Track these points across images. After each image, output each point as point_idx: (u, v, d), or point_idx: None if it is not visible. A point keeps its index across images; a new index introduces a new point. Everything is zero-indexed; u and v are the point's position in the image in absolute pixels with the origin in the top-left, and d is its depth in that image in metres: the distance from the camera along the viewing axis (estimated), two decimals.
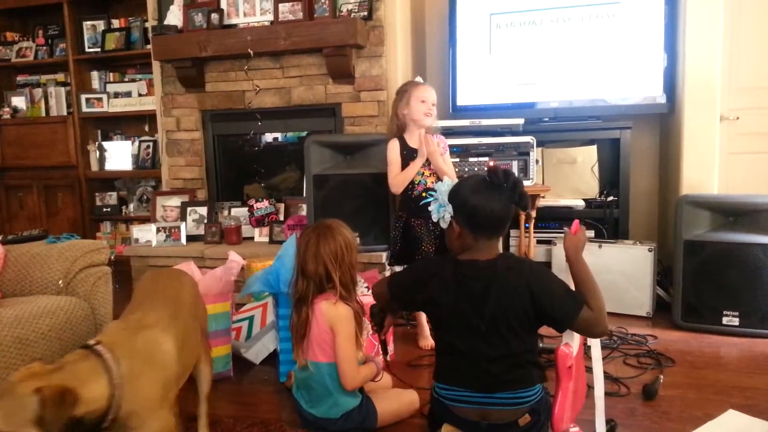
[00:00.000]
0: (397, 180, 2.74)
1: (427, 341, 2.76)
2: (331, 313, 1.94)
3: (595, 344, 1.81)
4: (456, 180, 1.82)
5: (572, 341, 1.70)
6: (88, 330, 2.05)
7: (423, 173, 2.75)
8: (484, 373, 1.64)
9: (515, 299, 1.62)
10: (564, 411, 1.65)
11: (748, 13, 3.63)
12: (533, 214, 3.22)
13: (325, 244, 1.96)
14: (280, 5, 3.69)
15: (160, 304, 1.64)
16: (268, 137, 4.29)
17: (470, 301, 1.64)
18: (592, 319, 1.61)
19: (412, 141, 2.76)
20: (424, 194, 2.69)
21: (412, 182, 2.76)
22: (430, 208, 1.76)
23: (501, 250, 2.81)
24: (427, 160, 2.73)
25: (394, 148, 2.76)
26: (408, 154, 2.75)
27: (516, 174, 1.70)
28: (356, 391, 2.00)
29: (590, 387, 2.25)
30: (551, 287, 1.64)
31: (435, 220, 1.75)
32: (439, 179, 2.71)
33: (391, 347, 2.70)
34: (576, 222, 1.74)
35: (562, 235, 1.79)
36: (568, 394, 1.66)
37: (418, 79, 2.84)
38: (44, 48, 4.88)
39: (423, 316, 2.82)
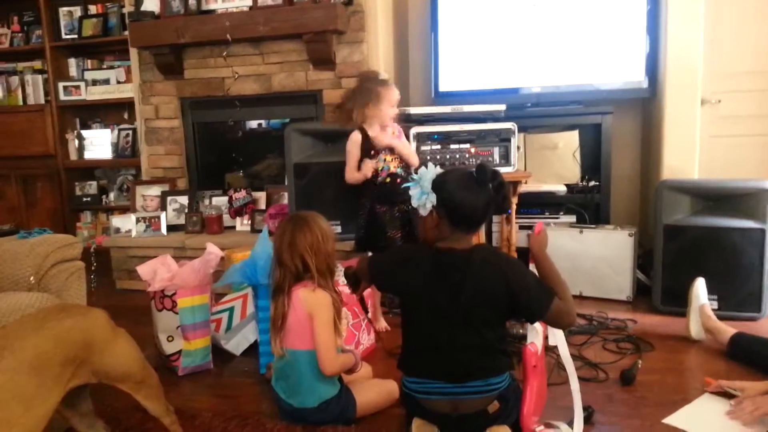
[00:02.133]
0: (354, 177, 2.78)
1: (381, 324, 2.87)
2: (309, 300, 1.94)
3: (560, 342, 1.84)
4: (428, 164, 1.81)
5: (536, 340, 1.72)
6: None
7: (385, 159, 2.78)
8: (455, 362, 1.65)
9: (491, 291, 1.62)
10: (531, 409, 1.68)
11: None
12: (514, 202, 3.21)
13: (301, 235, 1.95)
14: None
15: None
16: (252, 123, 4.25)
17: (446, 289, 1.63)
18: (563, 309, 1.64)
19: (373, 133, 2.77)
20: (388, 180, 2.76)
21: (376, 169, 2.78)
22: (411, 192, 1.72)
23: (483, 240, 2.83)
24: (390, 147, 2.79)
25: (355, 140, 2.76)
26: (368, 147, 2.75)
27: (501, 172, 1.69)
28: (335, 380, 2.00)
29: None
30: (526, 281, 1.65)
31: (414, 205, 1.72)
32: (402, 164, 2.81)
33: (370, 305, 2.75)
34: (539, 224, 1.81)
35: (528, 235, 1.83)
36: (534, 392, 1.69)
37: (384, 75, 2.82)
38: (20, 35, 4.78)
39: (377, 299, 2.89)
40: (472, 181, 1.66)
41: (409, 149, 2.85)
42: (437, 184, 1.67)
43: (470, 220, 1.69)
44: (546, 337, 1.86)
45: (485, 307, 1.63)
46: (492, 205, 1.68)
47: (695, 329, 2.56)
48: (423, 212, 1.70)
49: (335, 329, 1.97)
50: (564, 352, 1.85)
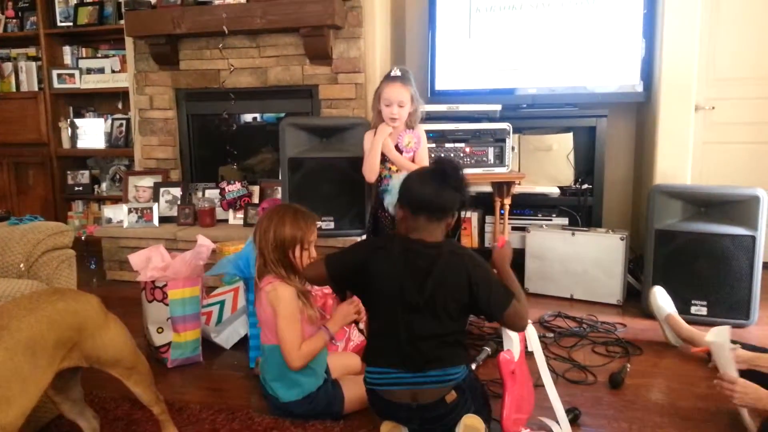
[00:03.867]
0: (365, 169, 2.69)
1: None
2: (271, 295, 1.94)
3: (536, 350, 1.91)
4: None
5: (513, 347, 1.79)
6: None
7: (390, 168, 2.69)
8: (415, 350, 1.70)
9: (454, 282, 1.69)
10: (511, 413, 1.73)
11: (727, 4, 3.64)
12: (507, 203, 3.22)
13: (258, 226, 2.00)
14: None
15: None
16: (246, 117, 4.23)
17: (413, 276, 1.70)
18: (520, 311, 1.73)
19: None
20: None
21: (380, 176, 2.70)
22: (385, 202, 1.88)
23: (476, 240, 2.83)
24: None
25: (368, 139, 2.71)
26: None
27: (461, 170, 1.80)
28: (317, 372, 2.00)
29: (558, 375, 2.29)
30: (488, 278, 1.73)
31: (387, 207, 1.87)
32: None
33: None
34: (501, 237, 1.96)
35: (492, 248, 1.94)
36: (514, 397, 1.74)
37: (394, 72, 2.65)
38: (14, 21, 4.73)
39: None
40: (428, 173, 1.79)
41: (402, 162, 2.61)
42: (401, 182, 1.83)
43: (424, 205, 1.75)
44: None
45: (448, 297, 1.69)
46: (447, 193, 1.74)
47: (671, 336, 2.59)
48: (393, 211, 1.83)
49: (305, 319, 1.94)
50: (540, 360, 1.91)
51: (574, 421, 1.93)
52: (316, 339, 1.94)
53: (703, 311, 2.82)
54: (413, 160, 2.63)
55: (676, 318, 2.57)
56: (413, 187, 1.77)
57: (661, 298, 2.65)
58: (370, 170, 2.66)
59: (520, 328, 1.79)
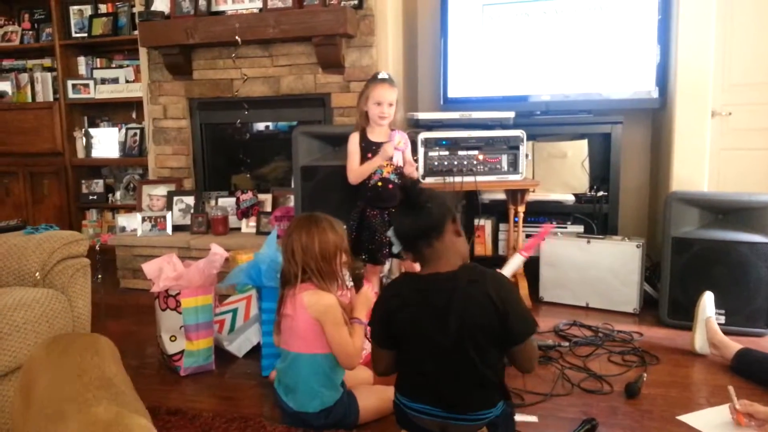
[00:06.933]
0: (355, 174, 2.80)
1: None
2: (315, 306, 1.92)
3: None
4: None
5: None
6: (65, 323, 2.01)
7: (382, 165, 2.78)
8: (445, 394, 1.62)
9: (480, 311, 1.56)
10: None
11: (742, 8, 3.61)
12: (521, 210, 3.20)
13: (296, 236, 1.96)
14: None
15: (101, 389, 1.20)
16: (259, 126, 4.25)
17: (433, 316, 1.59)
18: (534, 350, 1.65)
19: (372, 134, 2.79)
20: (380, 184, 2.78)
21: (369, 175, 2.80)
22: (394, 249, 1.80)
23: (489, 247, 2.81)
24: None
25: (353, 140, 2.81)
26: (366, 146, 2.78)
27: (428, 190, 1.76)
28: (337, 385, 2.00)
29: (574, 385, 2.26)
30: (515, 300, 1.61)
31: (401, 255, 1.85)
32: (396, 170, 2.78)
33: None
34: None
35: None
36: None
37: (381, 75, 2.76)
38: (30, 32, 4.80)
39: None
40: (400, 207, 1.76)
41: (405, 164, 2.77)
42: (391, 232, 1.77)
43: (412, 235, 1.68)
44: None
45: (477, 331, 1.56)
46: (421, 212, 1.66)
47: (700, 343, 2.54)
48: (407, 258, 1.76)
49: (346, 322, 1.97)
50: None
51: None
52: (357, 333, 1.97)
53: (722, 320, 2.77)
54: (404, 158, 2.76)
55: (714, 323, 2.55)
56: (396, 227, 1.71)
57: (709, 301, 2.61)
58: (360, 177, 2.79)
59: (527, 368, 1.67)
